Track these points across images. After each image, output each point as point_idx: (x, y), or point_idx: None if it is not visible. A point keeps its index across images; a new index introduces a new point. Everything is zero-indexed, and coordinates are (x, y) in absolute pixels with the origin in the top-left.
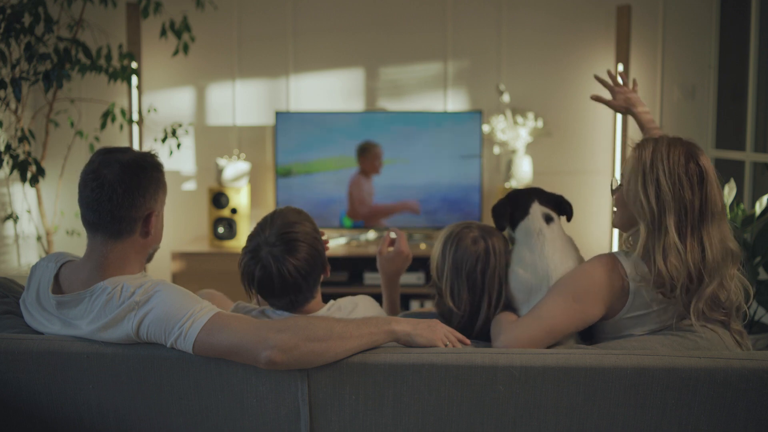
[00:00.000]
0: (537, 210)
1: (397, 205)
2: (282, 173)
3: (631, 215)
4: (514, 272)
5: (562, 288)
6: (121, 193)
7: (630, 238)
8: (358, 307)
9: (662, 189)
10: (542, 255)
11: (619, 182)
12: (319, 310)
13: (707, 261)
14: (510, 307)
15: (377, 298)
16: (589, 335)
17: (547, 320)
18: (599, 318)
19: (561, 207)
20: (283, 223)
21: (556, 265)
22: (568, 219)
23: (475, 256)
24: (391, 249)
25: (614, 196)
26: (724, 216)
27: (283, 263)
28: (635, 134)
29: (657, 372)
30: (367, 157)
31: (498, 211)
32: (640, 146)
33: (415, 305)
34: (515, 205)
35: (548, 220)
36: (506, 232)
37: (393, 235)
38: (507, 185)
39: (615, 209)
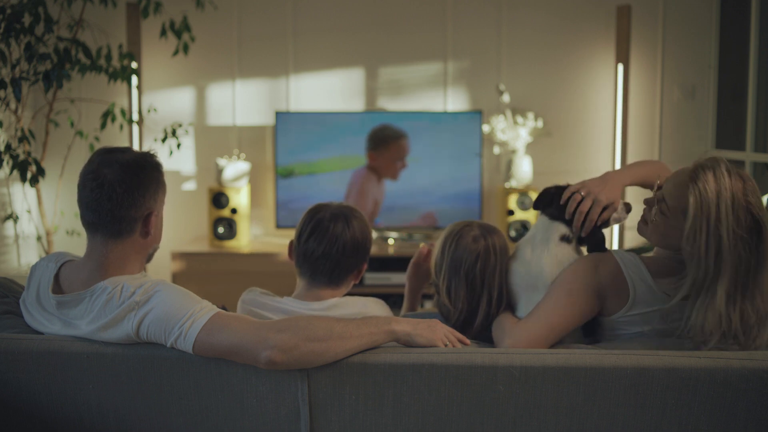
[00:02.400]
0: (562, 227)
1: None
2: (283, 174)
3: (670, 243)
4: (513, 267)
5: (556, 286)
6: (121, 192)
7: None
8: (366, 306)
9: (723, 248)
10: (539, 259)
11: (660, 197)
12: (329, 300)
13: (759, 310)
14: (509, 305)
15: (378, 298)
16: (591, 334)
17: (547, 319)
18: (596, 312)
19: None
20: (348, 204)
21: (551, 270)
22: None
23: (474, 254)
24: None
25: (653, 211)
26: None
27: (342, 223)
28: (635, 134)
29: (657, 372)
30: (382, 157)
31: (544, 196)
32: (701, 181)
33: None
34: (556, 205)
35: (563, 239)
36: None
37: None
38: (507, 185)
39: (651, 222)
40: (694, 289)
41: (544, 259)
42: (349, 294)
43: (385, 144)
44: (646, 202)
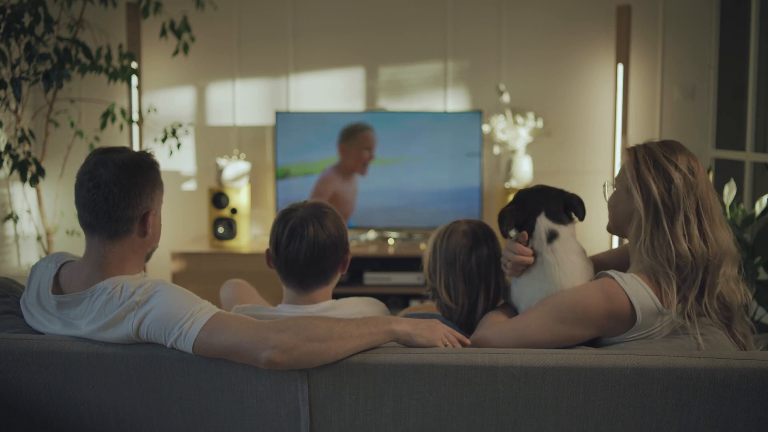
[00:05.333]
0: (541, 226)
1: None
2: (280, 174)
3: (622, 217)
4: (520, 286)
5: (552, 306)
6: (118, 193)
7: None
8: (362, 307)
9: (675, 183)
10: (552, 282)
11: (614, 188)
12: (324, 302)
13: (711, 252)
14: (507, 305)
15: (378, 298)
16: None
17: (525, 332)
18: (588, 339)
19: (572, 209)
20: (315, 201)
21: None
22: (581, 219)
23: (467, 248)
24: None
25: (608, 199)
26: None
27: (316, 225)
28: (635, 134)
29: (657, 372)
30: (352, 147)
31: (502, 220)
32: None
33: (415, 305)
34: (521, 217)
35: (551, 237)
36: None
37: None
38: (507, 185)
39: (608, 202)
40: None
41: (556, 276)
42: (350, 294)
43: (353, 134)
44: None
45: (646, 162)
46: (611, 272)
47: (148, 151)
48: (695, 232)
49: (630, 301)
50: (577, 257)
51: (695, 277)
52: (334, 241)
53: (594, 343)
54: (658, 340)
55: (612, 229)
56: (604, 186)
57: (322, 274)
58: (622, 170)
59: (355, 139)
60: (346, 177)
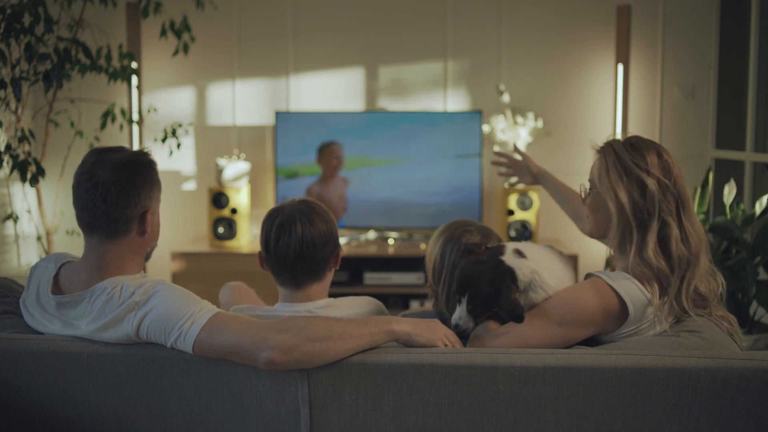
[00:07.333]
0: (509, 254)
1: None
2: (287, 175)
3: (605, 220)
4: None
5: (550, 310)
6: (116, 192)
7: (615, 249)
8: (360, 307)
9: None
10: (548, 287)
11: (588, 188)
12: (320, 299)
13: (693, 249)
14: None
15: (377, 298)
16: (588, 340)
17: (526, 339)
18: (586, 337)
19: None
20: (302, 199)
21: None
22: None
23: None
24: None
25: (587, 203)
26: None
27: (304, 220)
28: (635, 133)
29: (657, 372)
30: (324, 160)
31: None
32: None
33: (415, 305)
34: (499, 278)
35: (521, 254)
36: None
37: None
38: (507, 185)
39: (587, 216)
40: (639, 229)
41: (549, 283)
42: (350, 294)
43: (323, 150)
44: (583, 201)
45: (617, 169)
46: (597, 272)
47: (145, 150)
48: (674, 233)
49: (620, 297)
50: (556, 259)
51: (674, 281)
52: (323, 235)
53: (589, 342)
54: (650, 335)
55: (594, 234)
56: (581, 187)
57: (314, 269)
58: (599, 174)
59: (325, 154)
60: (327, 184)
